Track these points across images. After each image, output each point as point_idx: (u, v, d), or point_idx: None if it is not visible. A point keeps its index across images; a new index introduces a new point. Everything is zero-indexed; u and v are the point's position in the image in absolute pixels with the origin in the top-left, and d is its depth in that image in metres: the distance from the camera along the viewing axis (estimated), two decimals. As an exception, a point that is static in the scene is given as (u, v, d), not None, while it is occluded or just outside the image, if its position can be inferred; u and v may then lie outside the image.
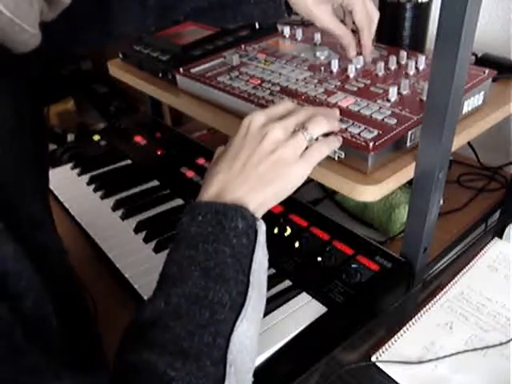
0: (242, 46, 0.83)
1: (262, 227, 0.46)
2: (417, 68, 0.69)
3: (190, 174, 0.88)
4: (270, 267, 0.65)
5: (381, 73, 0.69)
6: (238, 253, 0.44)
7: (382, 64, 0.69)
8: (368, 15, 0.67)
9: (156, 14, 0.66)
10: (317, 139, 0.51)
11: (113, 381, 0.39)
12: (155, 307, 0.42)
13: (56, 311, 0.39)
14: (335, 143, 0.54)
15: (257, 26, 0.88)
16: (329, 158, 0.57)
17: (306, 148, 0.50)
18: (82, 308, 0.54)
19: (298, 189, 0.85)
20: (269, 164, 0.48)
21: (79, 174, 0.93)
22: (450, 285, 0.63)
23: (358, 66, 0.71)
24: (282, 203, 0.75)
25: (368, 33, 0.69)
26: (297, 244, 0.68)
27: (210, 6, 0.65)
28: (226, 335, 0.41)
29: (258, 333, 0.46)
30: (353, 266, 0.63)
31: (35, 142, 0.51)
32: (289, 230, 0.70)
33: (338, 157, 0.56)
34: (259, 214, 0.47)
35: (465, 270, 0.65)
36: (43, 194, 0.52)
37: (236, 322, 0.42)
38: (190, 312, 0.41)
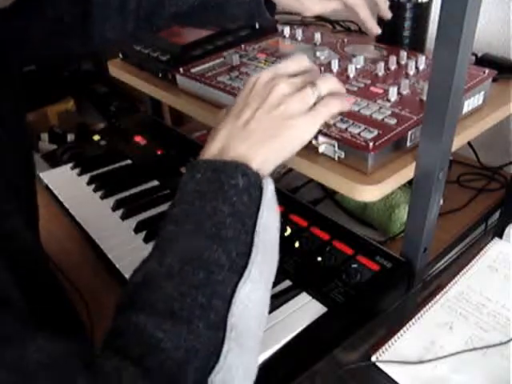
0: (242, 46, 0.83)
1: (268, 185, 0.43)
2: (417, 68, 0.69)
3: (190, 174, 0.88)
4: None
5: (381, 73, 0.69)
6: (238, 211, 0.41)
7: (382, 64, 0.69)
8: None
9: (136, 20, 0.66)
10: None
11: (105, 343, 0.38)
12: (148, 268, 0.41)
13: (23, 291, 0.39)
14: (345, 103, 0.51)
15: (257, 25, 0.88)
16: (329, 157, 0.57)
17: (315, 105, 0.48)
18: (55, 289, 0.54)
19: (298, 189, 0.85)
20: (273, 118, 0.46)
21: (79, 174, 0.93)
22: (450, 285, 0.63)
23: (358, 66, 0.71)
24: (282, 203, 0.75)
25: (363, 8, 0.68)
26: (297, 244, 0.68)
27: (192, 10, 0.65)
28: (226, 297, 0.39)
29: (268, 297, 0.44)
30: (353, 266, 0.63)
31: (9, 139, 0.52)
32: (289, 230, 0.71)
33: (338, 157, 0.56)
34: (265, 171, 0.45)
35: (465, 269, 0.65)
36: (18, 187, 0.52)
37: (238, 284, 0.39)
38: (183, 272, 0.39)
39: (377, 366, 0.53)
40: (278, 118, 0.46)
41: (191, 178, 0.44)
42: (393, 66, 0.70)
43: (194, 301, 0.38)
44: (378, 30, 0.71)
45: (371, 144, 0.53)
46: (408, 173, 0.56)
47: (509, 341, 0.55)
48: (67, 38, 0.66)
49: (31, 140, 0.62)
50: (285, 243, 0.69)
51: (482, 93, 0.64)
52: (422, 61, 0.69)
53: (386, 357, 0.54)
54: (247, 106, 0.47)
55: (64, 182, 0.91)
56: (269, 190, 0.43)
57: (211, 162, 0.44)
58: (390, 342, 0.56)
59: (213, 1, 0.65)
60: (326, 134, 0.56)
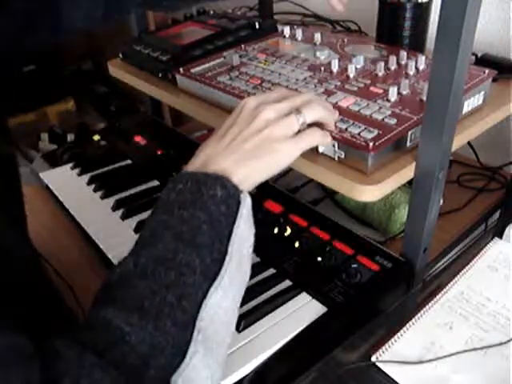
0: (242, 46, 0.83)
1: (246, 200, 0.45)
2: (417, 68, 0.69)
3: (190, 174, 0.88)
4: (270, 267, 0.66)
5: (381, 73, 0.69)
6: (215, 220, 0.43)
7: (382, 64, 0.69)
8: None
9: (106, 7, 0.65)
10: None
11: (75, 336, 0.39)
12: (124, 268, 0.43)
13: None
14: (328, 138, 0.54)
15: (257, 25, 0.88)
16: (329, 157, 0.57)
17: (299, 132, 0.51)
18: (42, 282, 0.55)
19: (298, 189, 0.85)
20: (257, 140, 0.48)
21: (79, 174, 0.93)
22: (450, 285, 0.63)
23: (358, 66, 0.71)
24: (282, 203, 0.76)
25: None
26: (297, 244, 0.68)
27: None
28: (196, 300, 0.41)
29: (237, 308, 0.46)
30: (353, 266, 0.63)
31: None
32: (289, 230, 0.70)
33: (338, 157, 0.56)
34: (244, 187, 0.47)
35: (465, 270, 0.65)
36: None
37: (209, 290, 0.41)
38: (156, 272, 0.41)
39: (377, 366, 0.53)
40: (261, 141, 0.48)
41: (173, 188, 0.46)
42: (393, 66, 0.70)
43: (163, 299, 0.40)
44: (340, 7, 0.70)
45: (371, 144, 0.53)
46: (408, 173, 0.56)
47: (509, 341, 0.55)
48: (34, 27, 0.64)
49: (13, 139, 0.62)
50: (285, 243, 0.69)
51: (482, 93, 0.64)
52: (422, 61, 0.69)
53: (386, 357, 0.54)
54: (232, 127, 0.50)
55: (64, 182, 0.91)
56: (246, 204, 0.45)
57: (193, 174, 0.46)
58: (389, 342, 0.56)
59: None
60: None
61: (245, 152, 0.48)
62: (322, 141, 0.54)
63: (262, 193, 0.78)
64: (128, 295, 0.40)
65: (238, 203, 0.45)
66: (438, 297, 0.62)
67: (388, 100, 0.62)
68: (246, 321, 0.57)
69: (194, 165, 0.48)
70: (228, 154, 0.47)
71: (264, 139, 0.48)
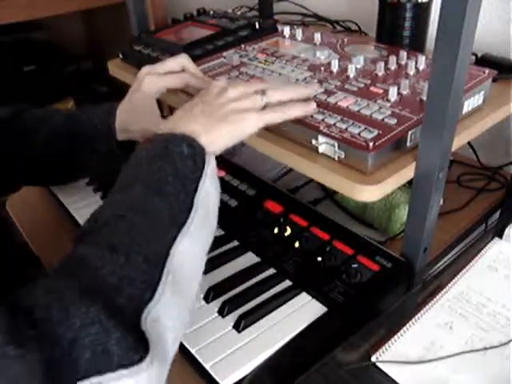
0: (242, 46, 0.83)
1: (211, 160, 0.49)
2: (417, 68, 0.69)
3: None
4: (270, 267, 0.66)
5: (381, 73, 0.69)
6: (181, 173, 0.47)
7: (381, 64, 0.69)
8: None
9: None
10: None
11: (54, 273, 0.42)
12: (99, 213, 0.46)
13: None
14: (296, 110, 0.57)
15: (257, 25, 0.88)
16: (329, 157, 0.57)
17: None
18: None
19: (298, 189, 0.85)
20: (223, 112, 0.53)
21: (79, 174, 0.93)
22: (450, 285, 0.63)
23: (358, 66, 0.71)
24: (282, 203, 0.76)
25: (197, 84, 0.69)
26: (297, 244, 0.68)
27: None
28: (166, 244, 0.43)
29: (204, 258, 0.49)
30: (353, 266, 0.63)
31: None
32: (289, 230, 0.71)
33: (338, 157, 0.56)
34: (211, 149, 0.50)
35: (465, 270, 0.65)
36: None
37: (177, 237, 0.44)
38: (128, 216, 0.44)
39: (377, 366, 0.53)
40: (227, 112, 0.53)
41: (143, 148, 0.50)
42: (393, 66, 0.70)
43: (133, 238, 0.43)
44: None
45: (371, 144, 0.53)
46: (408, 173, 0.56)
47: (509, 341, 0.55)
48: None
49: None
50: (285, 243, 0.69)
51: (482, 93, 0.64)
52: (422, 61, 0.69)
53: (386, 357, 0.54)
54: (200, 102, 0.54)
55: (64, 182, 0.91)
56: (211, 164, 0.49)
57: (162, 135, 0.50)
58: (389, 342, 0.56)
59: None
60: (326, 134, 0.56)
61: (213, 118, 0.52)
62: (287, 116, 0.56)
63: (261, 193, 0.78)
64: (102, 235, 0.44)
65: (204, 162, 0.48)
66: (437, 297, 0.61)
67: (388, 100, 0.62)
68: (246, 321, 0.57)
69: (165, 127, 0.52)
70: (197, 118, 0.52)
71: (229, 112, 0.53)
